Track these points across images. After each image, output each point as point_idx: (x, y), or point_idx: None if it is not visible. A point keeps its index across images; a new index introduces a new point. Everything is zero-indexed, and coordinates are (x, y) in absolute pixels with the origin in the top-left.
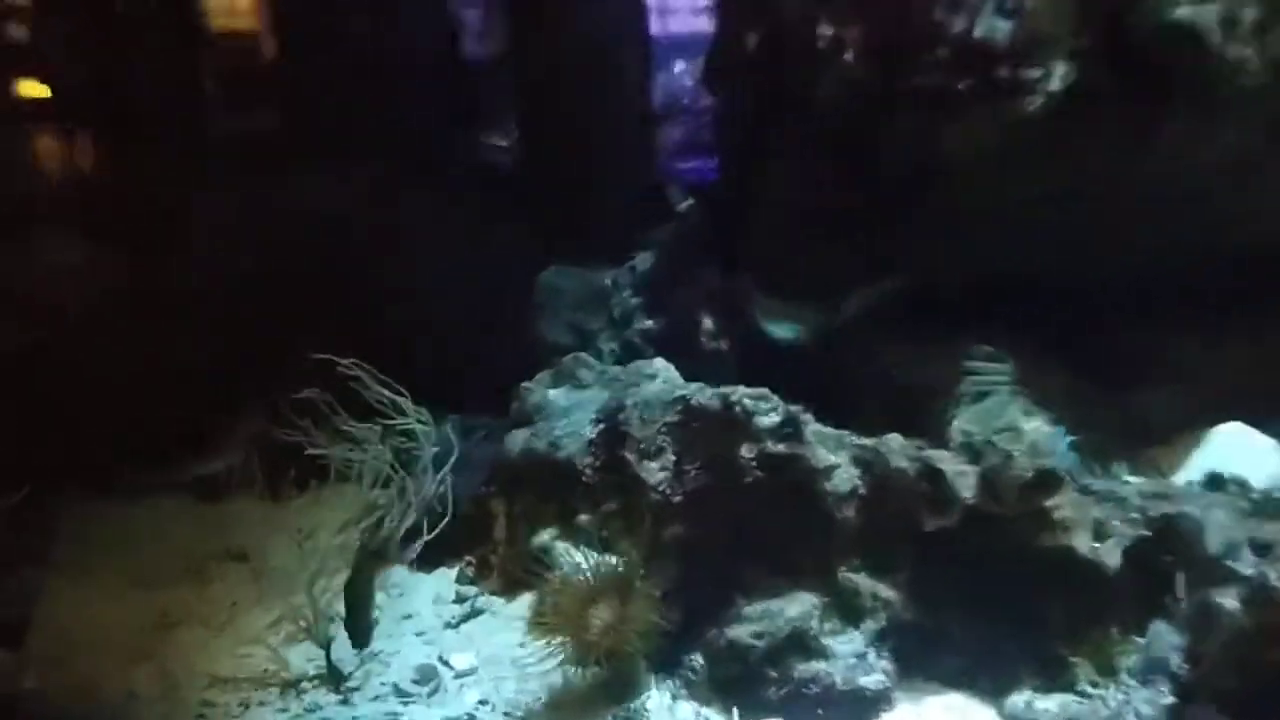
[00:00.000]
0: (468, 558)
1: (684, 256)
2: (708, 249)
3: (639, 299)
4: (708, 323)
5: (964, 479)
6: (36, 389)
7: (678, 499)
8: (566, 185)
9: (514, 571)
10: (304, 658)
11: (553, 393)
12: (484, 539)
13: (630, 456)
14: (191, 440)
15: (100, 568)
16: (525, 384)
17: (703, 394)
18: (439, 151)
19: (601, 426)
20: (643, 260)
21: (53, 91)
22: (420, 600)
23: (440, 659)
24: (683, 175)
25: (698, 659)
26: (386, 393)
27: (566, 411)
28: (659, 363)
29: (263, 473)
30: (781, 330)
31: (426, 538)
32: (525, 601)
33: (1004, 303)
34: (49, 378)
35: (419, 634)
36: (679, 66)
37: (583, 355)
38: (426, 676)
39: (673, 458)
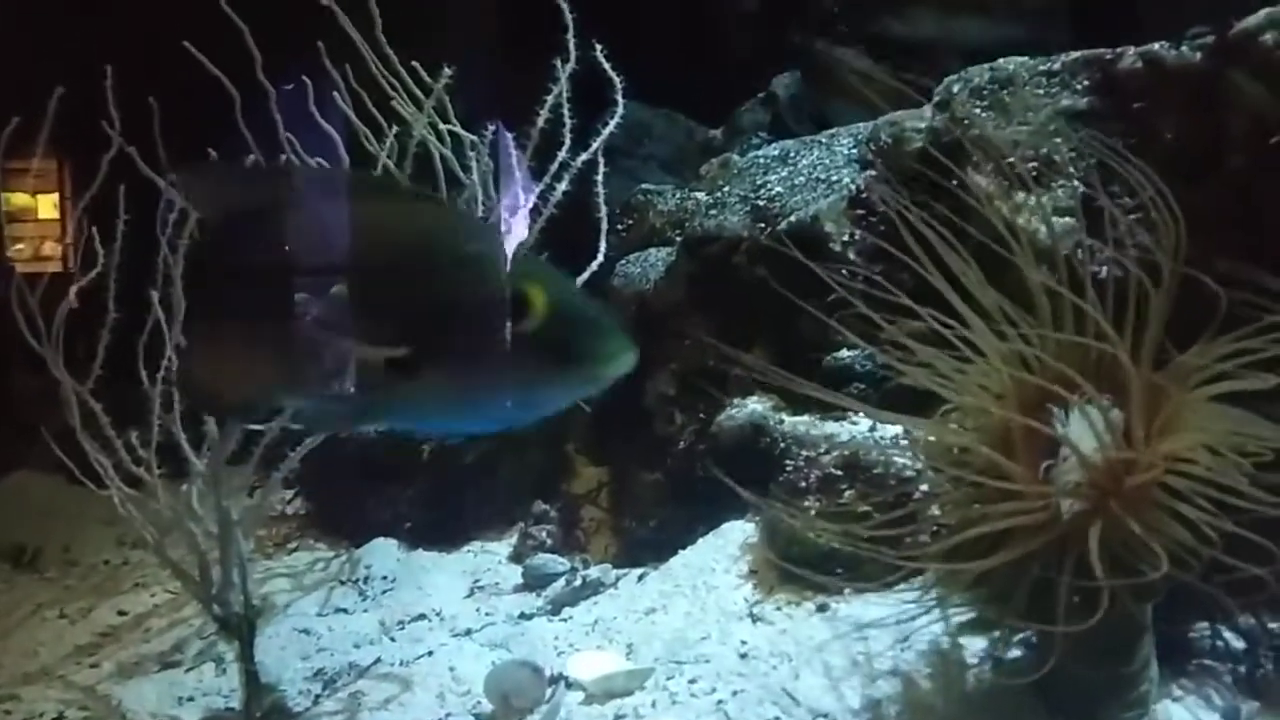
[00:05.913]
0: (540, 511)
1: None
2: None
3: None
4: None
5: None
6: None
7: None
8: None
9: (632, 522)
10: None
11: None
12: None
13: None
14: None
15: None
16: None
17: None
18: None
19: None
20: None
21: None
22: (443, 590)
23: (537, 669)
24: None
25: None
26: None
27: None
28: None
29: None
30: None
31: None
32: (681, 562)
33: None
34: None
35: (455, 634)
36: None
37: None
38: (521, 691)
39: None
